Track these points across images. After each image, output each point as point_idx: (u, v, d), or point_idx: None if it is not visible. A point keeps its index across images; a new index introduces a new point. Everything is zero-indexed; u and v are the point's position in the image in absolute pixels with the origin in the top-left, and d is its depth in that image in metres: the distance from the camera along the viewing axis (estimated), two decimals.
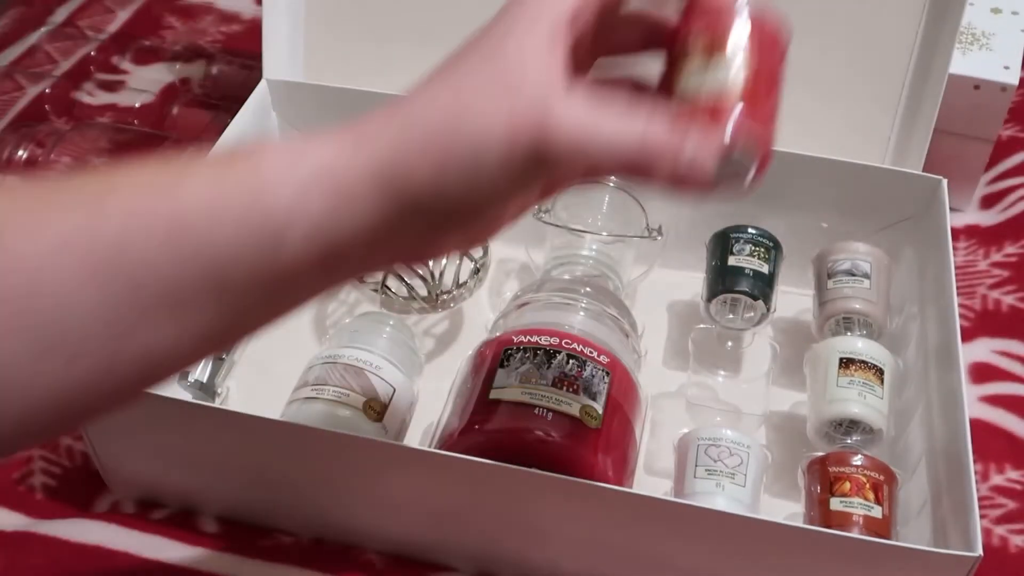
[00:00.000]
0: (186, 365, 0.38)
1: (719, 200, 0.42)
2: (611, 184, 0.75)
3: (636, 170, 0.37)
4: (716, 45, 0.41)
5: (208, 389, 0.71)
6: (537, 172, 0.36)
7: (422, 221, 0.36)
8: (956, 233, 0.88)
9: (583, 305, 0.69)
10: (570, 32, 0.38)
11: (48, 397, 0.34)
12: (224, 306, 0.35)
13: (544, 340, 0.64)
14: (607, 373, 0.63)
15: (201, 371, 0.72)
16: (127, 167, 0.35)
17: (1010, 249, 0.87)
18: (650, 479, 0.69)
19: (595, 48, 0.42)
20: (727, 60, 0.41)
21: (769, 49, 0.43)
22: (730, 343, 0.76)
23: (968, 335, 0.79)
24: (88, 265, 0.32)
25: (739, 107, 0.40)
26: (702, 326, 0.75)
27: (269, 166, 0.35)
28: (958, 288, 0.74)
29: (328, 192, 0.35)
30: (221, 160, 0.37)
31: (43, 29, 1.09)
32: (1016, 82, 0.83)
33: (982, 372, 0.77)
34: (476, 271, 0.76)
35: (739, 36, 0.41)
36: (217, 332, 0.36)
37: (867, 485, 0.61)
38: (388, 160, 0.35)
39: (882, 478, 0.62)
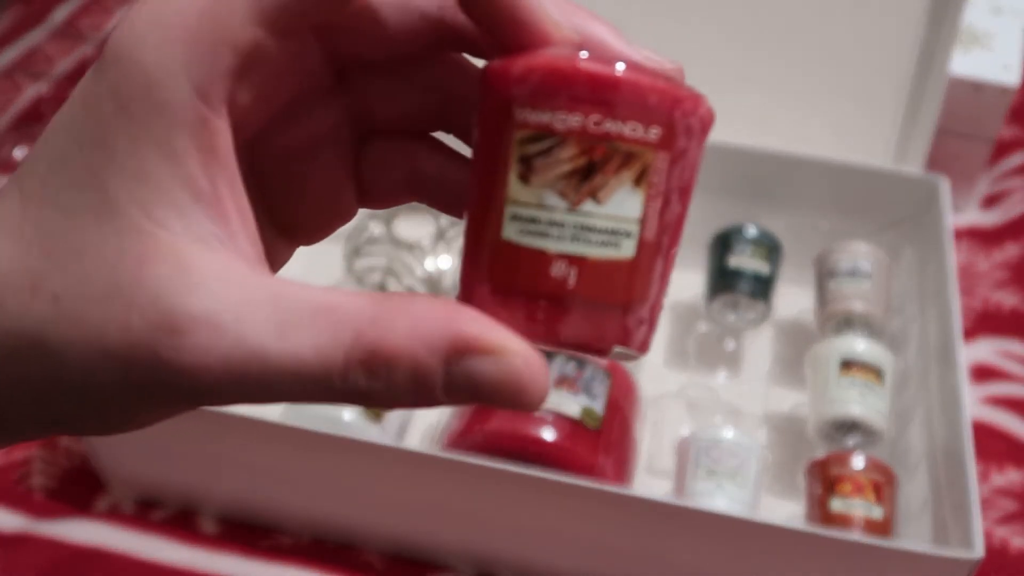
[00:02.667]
0: None
1: None
2: None
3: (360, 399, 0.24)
4: (608, 161, 0.24)
5: None
6: (174, 408, 0.26)
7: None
8: (956, 233, 0.88)
9: None
10: (228, 142, 0.25)
11: None
12: None
13: None
14: (607, 375, 0.63)
15: None
16: None
17: (1010, 249, 0.87)
18: (650, 479, 0.68)
19: (338, 51, 0.28)
20: (624, 195, 0.24)
21: (685, 165, 0.25)
22: (730, 343, 0.76)
23: (968, 335, 0.79)
24: None
25: (646, 305, 0.26)
26: (702, 326, 0.75)
27: None
28: (959, 288, 0.74)
29: None
30: None
31: (43, 29, 1.09)
32: (1016, 82, 0.83)
33: (983, 372, 0.77)
34: None
35: (657, 149, 0.25)
36: None
37: (868, 486, 0.61)
38: None
39: (883, 479, 0.62)
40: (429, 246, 0.73)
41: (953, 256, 0.71)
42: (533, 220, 0.24)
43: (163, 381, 0.24)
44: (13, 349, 0.25)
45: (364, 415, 0.65)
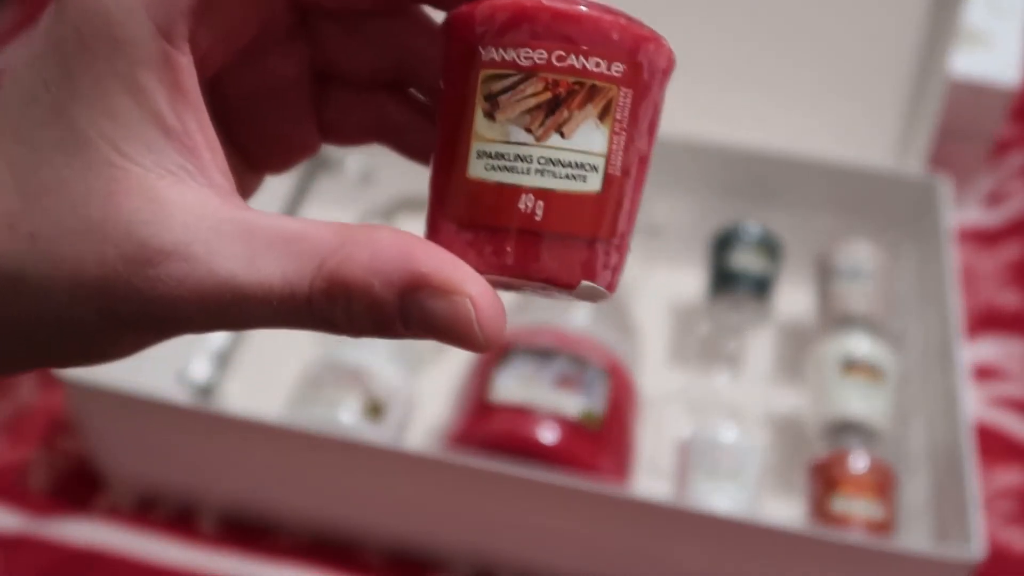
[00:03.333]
0: None
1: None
2: None
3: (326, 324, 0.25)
4: (573, 95, 0.25)
5: (207, 390, 0.71)
6: (153, 337, 0.26)
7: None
8: (958, 233, 0.88)
9: (583, 305, 0.69)
10: (192, 77, 0.25)
11: None
12: None
13: (544, 341, 0.64)
14: (607, 375, 0.63)
15: (200, 372, 0.72)
16: None
17: (1011, 249, 0.87)
18: (650, 480, 0.68)
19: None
20: (590, 129, 0.25)
21: (649, 103, 0.26)
22: (730, 343, 0.76)
23: (971, 335, 0.79)
24: None
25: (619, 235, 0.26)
26: (702, 326, 0.75)
27: None
28: (960, 288, 0.73)
29: None
30: None
31: None
32: (1016, 82, 0.83)
33: (983, 372, 0.77)
34: None
35: (629, 87, 0.25)
36: None
37: (868, 486, 0.61)
38: None
39: (883, 479, 0.62)
40: None
41: (953, 256, 0.71)
42: (499, 156, 0.25)
43: (139, 311, 0.25)
44: None
45: (364, 415, 0.65)
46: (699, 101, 0.81)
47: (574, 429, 0.60)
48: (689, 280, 0.79)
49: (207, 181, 0.25)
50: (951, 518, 0.60)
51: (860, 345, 0.68)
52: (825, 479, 0.62)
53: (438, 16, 0.28)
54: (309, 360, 0.70)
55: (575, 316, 0.67)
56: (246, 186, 0.32)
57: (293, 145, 0.32)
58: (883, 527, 0.61)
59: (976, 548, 0.55)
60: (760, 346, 0.77)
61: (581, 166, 0.25)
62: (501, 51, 0.25)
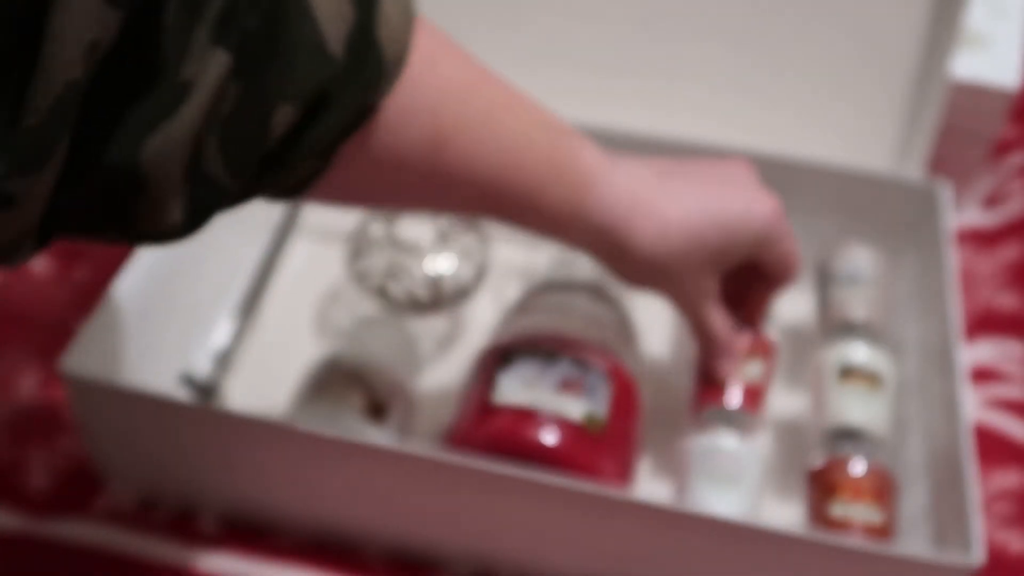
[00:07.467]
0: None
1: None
2: None
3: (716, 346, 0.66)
4: (756, 352, 0.66)
5: (208, 389, 0.71)
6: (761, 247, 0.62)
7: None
8: (956, 234, 0.88)
9: (585, 309, 0.68)
10: None
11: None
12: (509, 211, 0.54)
13: (546, 345, 0.64)
14: (609, 378, 0.63)
15: (201, 371, 0.72)
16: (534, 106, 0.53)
17: (1010, 250, 0.87)
18: (651, 484, 0.69)
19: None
20: (759, 363, 0.66)
21: (773, 363, 0.68)
22: None
23: (969, 337, 0.79)
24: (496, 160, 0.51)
25: (763, 394, 0.67)
26: None
27: (596, 169, 0.56)
28: (959, 290, 0.73)
29: (619, 209, 0.56)
30: (557, 131, 0.54)
31: None
32: (1016, 82, 0.83)
33: (983, 375, 0.78)
34: (476, 272, 0.76)
35: (767, 353, 0.67)
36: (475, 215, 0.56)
37: (867, 491, 0.61)
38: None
39: (882, 484, 0.62)
40: (430, 248, 0.73)
41: (953, 261, 0.71)
42: None
43: (765, 234, 0.61)
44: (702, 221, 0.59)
45: (365, 415, 0.65)
46: (698, 105, 0.81)
47: (576, 432, 0.60)
48: None
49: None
50: (950, 524, 0.60)
51: (859, 352, 0.68)
52: (824, 484, 0.63)
53: None
54: (310, 359, 0.70)
55: (577, 319, 0.67)
56: None
57: None
58: (882, 532, 0.61)
59: (976, 554, 0.55)
60: None
61: None
62: None
